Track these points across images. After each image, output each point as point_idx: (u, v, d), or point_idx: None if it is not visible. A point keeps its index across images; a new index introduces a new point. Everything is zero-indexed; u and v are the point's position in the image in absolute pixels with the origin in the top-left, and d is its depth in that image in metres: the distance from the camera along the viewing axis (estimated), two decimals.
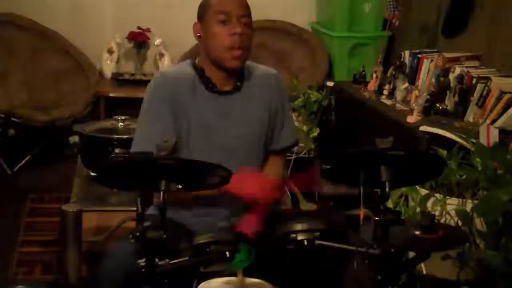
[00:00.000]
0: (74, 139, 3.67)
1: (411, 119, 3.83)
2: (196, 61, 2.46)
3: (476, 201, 2.86)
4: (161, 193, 1.82)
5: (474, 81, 3.75)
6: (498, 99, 3.57)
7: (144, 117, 2.39)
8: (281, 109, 2.53)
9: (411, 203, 3.02)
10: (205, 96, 2.39)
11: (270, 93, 2.49)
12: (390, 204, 2.93)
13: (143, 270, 1.79)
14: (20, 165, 4.73)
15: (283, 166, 2.59)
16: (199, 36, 2.41)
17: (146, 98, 2.40)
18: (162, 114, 2.34)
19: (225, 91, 2.41)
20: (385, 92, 4.36)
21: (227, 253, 1.85)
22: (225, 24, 2.32)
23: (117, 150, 3.43)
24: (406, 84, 4.28)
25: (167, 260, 1.80)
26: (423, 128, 3.58)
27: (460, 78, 3.82)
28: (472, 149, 3.11)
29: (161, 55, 5.23)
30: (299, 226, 1.91)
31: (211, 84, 2.39)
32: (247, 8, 2.37)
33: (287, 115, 2.57)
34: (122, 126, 3.63)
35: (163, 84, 2.38)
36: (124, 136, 3.49)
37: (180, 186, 1.86)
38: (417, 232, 1.92)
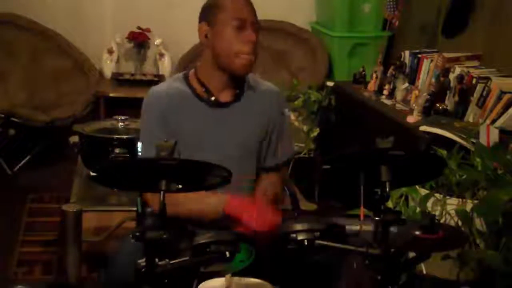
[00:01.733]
0: (74, 139, 3.67)
1: (411, 119, 3.83)
2: (191, 72, 2.43)
3: (476, 201, 2.86)
4: (161, 193, 1.81)
5: (474, 81, 3.75)
6: (498, 99, 3.57)
7: (141, 137, 2.42)
8: (279, 127, 2.51)
9: (411, 203, 3.02)
10: (199, 108, 2.37)
11: (269, 110, 2.48)
12: (390, 204, 2.92)
13: (143, 270, 1.79)
14: (20, 165, 4.73)
15: (280, 182, 2.58)
16: (206, 37, 2.36)
17: (141, 117, 2.42)
18: (155, 134, 2.32)
19: (223, 103, 2.39)
20: (385, 92, 4.36)
21: (227, 253, 1.85)
22: (240, 30, 2.29)
23: (117, 150, 3.43)
24: (406, 84, 4.28)
25: (167, 260, 1.80)
26: (423, 128, 3.58)
27: (460, 78, 3.82)
28: (472, 149, 3.11)
29: (161, 55, 5.23)
30: (299, 226, 1.91)
31: (208, 94, 2.37)
32: (256, 13, 2.36)
33: (284, 133, 2.55)
34: (122, 126, 3.62)
35: (154, 102, 2.38)
36: (124, 136, 3.49)
37: (180, 186, 1.86)
38: (417, 232, 1.92)
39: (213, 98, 2.37)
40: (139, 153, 2.43)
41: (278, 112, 2.52)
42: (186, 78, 2.42)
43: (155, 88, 2.44)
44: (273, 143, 2.52)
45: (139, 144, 2.44)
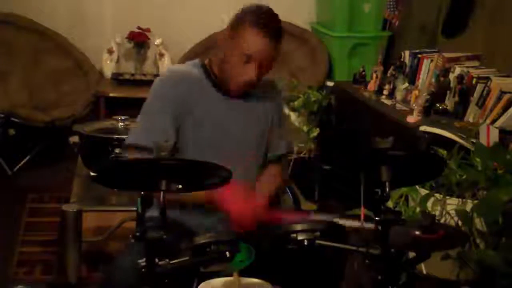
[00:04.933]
0: (74, 139, 3.67)
1: (411, 119, 3.83)
2: (206, 61, 2.45)
3: (476, 201, 2.86)
4: (162, 193, 1.82)
5: (474, 81, 3.75)
6: (498, 99, 3.57)
7: (144, 111, 2.40)
8: (280, 116, 2.55)
9: (411, 203, 3.02)
10: (212, 95, 2.39)
11: (273, 98, 2.51)
12: (390, 204, 2.93)
13: (143, 270, 1.79)
14: (20, 165, 4.73)
15: (281, 174, 2.58)
16: (224, 41, 2.35)
17: (150, 94, 2.40)
18: (162, 110, 2.33)
19: (234, 95, 2.40)
20: (385, 92, 4.36)
21: (227, 253, 1.85)
22: (246, 63, 2.29)
23: (117, 150, 3.43)
24: (406, 84, 4.27)
25: (167, 260, 1.80)
26: (423, 128, 3.58)
27: (460, 78, 3.82)
28: (472, 149, 3.11)
29: (161, 55, 5.23)
30: (299, 226, 1.91)
31: (220, 85, 2.40)
32: (273, 52, 2.32)
33: (283, 122, 2.58)
34: (122, 126, 3.62)
35: (169, 80, 2.39)
36: (124, 136, 3.48)
37: (180, 186, 1.86)
38: (417, 232, 1.92)
39: (224, 89, 2.39)
40: (134, 126, 2.40)
41: (278, 104, 2.57)
42: (203, 66, 2.43)
43: (171, 68, 2.47)
44: (278, 132, 2.53)
45: (138, 118, 2.41)
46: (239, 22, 2.31)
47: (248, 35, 2.27)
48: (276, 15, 2.34)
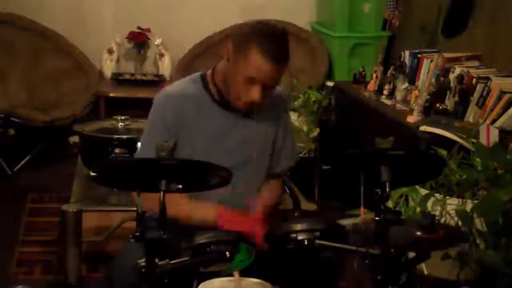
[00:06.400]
0: (74, 139, 3.68)
1: (411, 119, 3.83)
2: (209, 72, 2.38)
3: (476, 201, 2.86)
4: (161, 193, 1.82)
5: (474, 81, 3.75)
6: (498, 99, 3.57)
7: (145, 135, 2.38)
8: (285, 130, 2.50)
9: (411, 203, 3.02)
10: (211, 111, 2.34)
11: (278, 113, 2.47)
12: (390, 204, 2.92)
13: (143, 270, 1.79)
14: (20, 165, 4.73)
15: (282, 188, 2.58)
16: (227, 58, 2.27)
17: (148, 118, 2.37)
18: (161, 134, 2.28)
19: (236, 109, 2.34)
20: (385, 92, 4.36)
21: (227, 253, 1.85)
22: (249, 83, 2.23)
23: (117, 150, 3.44)
24: (406, 84, 4.27)
25: (167, 260, 1.80)
26: (423, 128, 3.58)
27: (460, 78, 3.81)
28: (472, 149, 3.11)
29: (161, 55, 5.23)
30: (299, 226, 1.91)
31: (223, 100, 2.34)
32: (280, 73, 2.27)
33: (288, 136, 2.53)
34: (122, 126, 3.63)
35: (165, 103, 2.33)
36: (124, 136, 3.49)
37: (180, 186, 1.86)
38: (417, 232, 1.92)
39: (227, 104, 2.34)
40: (138, 150, 2.39)
41: (285, 115, 2.52)
42: (204, 80, 2.37)
43: (168, 90, 2.39)
44: (281, 148, 2.50)
45: (139, 144, 2.42)
46: (245, 43, 2.22)
47: (254, 60, 2.20)
48: (283, 37, 2.28)
